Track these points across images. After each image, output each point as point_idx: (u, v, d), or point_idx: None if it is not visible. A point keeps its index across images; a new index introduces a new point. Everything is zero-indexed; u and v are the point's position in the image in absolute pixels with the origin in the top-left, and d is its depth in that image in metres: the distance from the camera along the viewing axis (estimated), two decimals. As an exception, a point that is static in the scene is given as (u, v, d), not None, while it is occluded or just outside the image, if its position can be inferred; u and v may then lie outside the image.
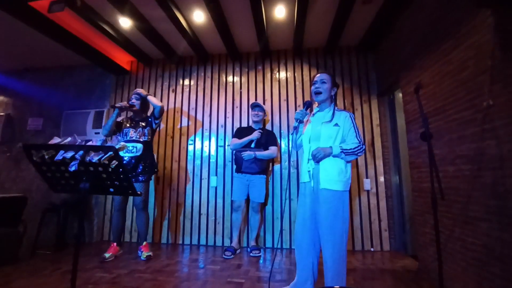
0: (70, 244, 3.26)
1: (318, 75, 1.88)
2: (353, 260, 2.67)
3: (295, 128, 1.85)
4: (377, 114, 3.30)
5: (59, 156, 1.16)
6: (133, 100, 2.87)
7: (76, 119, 3.82)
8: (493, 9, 1.53)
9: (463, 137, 1.76)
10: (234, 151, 3.13)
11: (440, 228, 1.59)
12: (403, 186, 2.99)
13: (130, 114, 2.96)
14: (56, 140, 1.20)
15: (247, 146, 2.94)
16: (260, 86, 3.61)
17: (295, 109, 3.42)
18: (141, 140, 2.79)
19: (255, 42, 3.34)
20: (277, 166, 3.35)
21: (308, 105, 1.87)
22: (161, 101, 3.75)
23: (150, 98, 2.89)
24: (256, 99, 3.56)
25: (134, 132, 2.80)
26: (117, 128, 2.85)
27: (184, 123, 3.67)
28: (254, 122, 3.09)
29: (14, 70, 4.19)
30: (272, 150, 2.97)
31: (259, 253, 2.85)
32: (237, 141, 2.98)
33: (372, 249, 3.04)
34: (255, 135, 2.91)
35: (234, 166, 3.13)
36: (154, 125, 2.89)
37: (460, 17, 1.78)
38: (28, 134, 3.97)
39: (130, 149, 2.74)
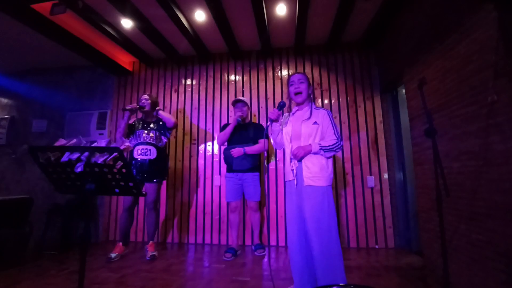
0: (75, 244, 3.29)
1: (295, 75, 1.93)
2: (357, 257, 2.67)
3: (267, 127, 1.92)
4: (380, 111, 3.29)
5: (65, 158, 1.17)
6: (143, 101, 2.88)
7: (79, 120, 3.84)
8: (496, 3, 1.52)
9: (468, 133, 1.75)
10: (223, 150, 3.01)
11: (445, 225, 1.58)
12: (407, 183, 2.98)
13: (141, 115, 2.98)
14: (61, 142, 1.21)
15: (235, 143, 2.86)
16: (262, 84, 3.61)
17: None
18: (153, 143, 2.82)
19: (257, 41, 3.34)
20: (280, 164, 3.35)
21: (281, 106, 1.91)
22: (164, 101, 3.76)
23: (162, 113, 2.86)
24: (258, 98, 3.56)
25: (146, 134, 2.83)
26: (130, 131, 2.88)
27: (187, 123, 3.68)
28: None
29: (16, 72, 4.22)
30: (262, 143, 2.87)
31: (263, 252, 2.84)
32: (221, 134, 2.91)
33: (376, 246, 3.04)
34: (235, 119, 2.82)
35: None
36: (168, 134, 2.93)
37: (463, 12, 1.76)
38: (32, 136, 4.00)
39: (143, 152, 2.77)
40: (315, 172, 1.74)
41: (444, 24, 1.97)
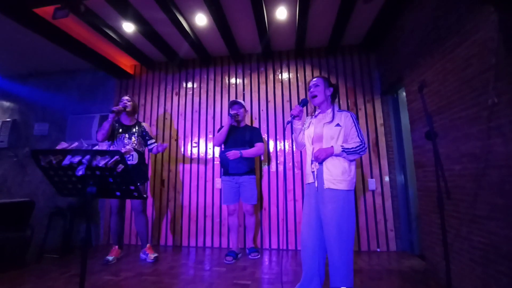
0: (77, 247, 3.29)
1: (311, 80, 1.94)
2: (359, 261, 2.66)
3: (288, 122, 1.92)
4: (381, 114, 3.29)
5: (66, 161, 1.17)
6: (124, 101, 2.85)
7: (81, 123, 3.85)
8: (496, 6, 1.52)
9: (469, 135, 1.75)
10: (219, 153, 3.01)
11: (446, 228, 1.58)
12: (408, 185, 2.97)
13: (118, 118, 2.90)
14: (63, 145, 1.22)
15: (231, 146, 2.85)
16: (262, 87, 3.62)
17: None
18: (135, 148, 2.80)
19: (257, 44, 3.35)
20: (281, 167, 3.35)
21: (304, 103, 1.92)
22: (164, 104, 3.78)
23: (155, 151, 2.87)
24: (259, 101, 3.57)
25: (128, 139, 2.80)
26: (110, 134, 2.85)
27: (188, 126, 3.68)
28: (235, 121, 2.94)
29: (18, 75, 4.25)
30: (258, 146, 2.84)
31: (257, 255, 2.83)
32: (217, 135, 2.89)
33: (378, 250, 3.02)
34: (229, 118, 2.82)
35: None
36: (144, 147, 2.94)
37: (463, 14, 1.77)
38: (34, 139, 4.02)
39: (126, 157, 2.74)
40: (337, 174, 1.70)
41: (444, 27, 1.97)
